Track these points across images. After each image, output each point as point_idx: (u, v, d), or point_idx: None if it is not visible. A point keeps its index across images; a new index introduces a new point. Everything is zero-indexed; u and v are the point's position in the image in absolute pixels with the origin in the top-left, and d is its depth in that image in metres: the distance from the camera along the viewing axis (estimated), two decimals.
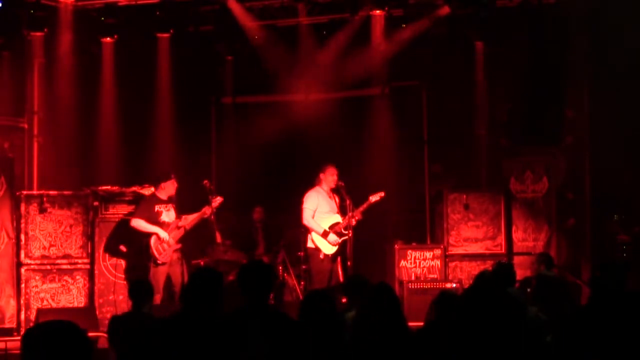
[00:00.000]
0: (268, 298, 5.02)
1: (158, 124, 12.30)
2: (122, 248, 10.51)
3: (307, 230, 10.16)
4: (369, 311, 4.82)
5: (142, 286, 6.91)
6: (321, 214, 10.13)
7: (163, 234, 9.94)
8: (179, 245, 10.09)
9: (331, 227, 10.11)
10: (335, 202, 10.20)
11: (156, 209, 10.06)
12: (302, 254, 10.55)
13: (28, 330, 3.23)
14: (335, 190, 10.28)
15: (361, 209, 10.06)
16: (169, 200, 10.13)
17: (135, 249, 10.33)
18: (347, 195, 10.03)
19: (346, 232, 10.05)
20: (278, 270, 10.64)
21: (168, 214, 10.06)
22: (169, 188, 10.11)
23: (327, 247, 10.10)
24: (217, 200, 10.06)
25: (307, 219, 10.08)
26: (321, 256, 10.10)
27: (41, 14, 11.26)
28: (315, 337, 4.73)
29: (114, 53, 11.97)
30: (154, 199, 10.12)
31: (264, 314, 4.86)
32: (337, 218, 10.17)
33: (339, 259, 10.21)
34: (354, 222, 10.05)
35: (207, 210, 10.02)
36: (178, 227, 10.05)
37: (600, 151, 11.29)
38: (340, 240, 10.10)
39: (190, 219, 10.10)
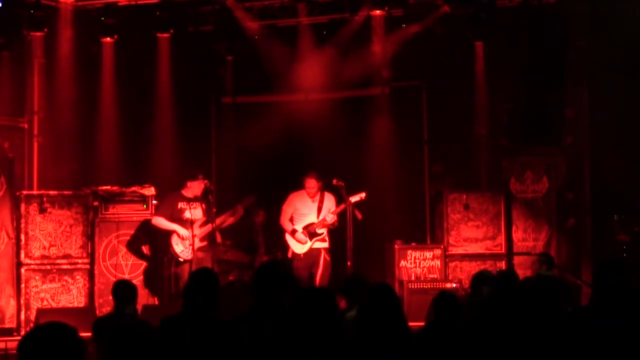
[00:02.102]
0: (283, 299, 5.02)
1: (158, 124, 12.29)
2: (144, 249, 10.60)
3: (284, 231, 10.57)
4: (369, 311, 4.81)
5: (124, 287, 6.83)
6: (300, 216, 10.50)
7: (182, 231, 10.02)
8: (203, 244, 10.15)
9: (305, 227, 10.41)
10: (318, 204, 10.45)
11: (179, 206, 10.13)
12: (279, 254, 10.78)
13: (23, 339, 3.29)
14: (334, 191, 10.43)
15: (337, 210, 10.27)
16: (195, 199, 10.19)
17: (158, 248, 10.45)
18: (346, 196, 10.20)
19: (320, 232, 10.34)
20: None
21: (193, 212, 10.10)
22: (194, 188, 10.19)
23: (296, 246, 10.45)
24: (250, 199, 10.42)
25: (281, 219, 10.57)
26: (289, 254, 10.48)
27: (41, 14, 11.26)
28: (313, 336, 4.73)
29: (114, 53, 11.97)
30: (178, 197, 10.20)
31: (278, 314, 4.86)
32: (314, 219, 10.42)
33: (320, 262, 10.31)
34: (329, 222, 10.29)
35: (239, 209, 10.34)
36: (202, 226, 10.11)
37: (600, 151, 11.29)
38: (310, 241, 10.37)
39: (222, 219, 10.32)
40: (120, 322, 6.40)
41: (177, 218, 10.11)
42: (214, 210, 10.48)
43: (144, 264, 10.65)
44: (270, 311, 4.85)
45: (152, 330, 6.32)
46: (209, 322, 4.71)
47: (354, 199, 10.23)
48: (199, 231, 10.09)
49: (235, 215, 10.41)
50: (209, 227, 10.16)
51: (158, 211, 10.32)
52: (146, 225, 10.53)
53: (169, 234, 10.13)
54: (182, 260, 10.03)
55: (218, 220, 10.28)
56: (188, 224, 10.03)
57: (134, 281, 10.35)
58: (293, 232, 10.45)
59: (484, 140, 11.90)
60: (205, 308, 4.81)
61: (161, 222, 10.18)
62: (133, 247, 10.64)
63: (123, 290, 6.75)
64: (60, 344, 3.17)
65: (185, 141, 12.27)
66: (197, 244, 10.07)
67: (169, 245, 10.13)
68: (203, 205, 10.21)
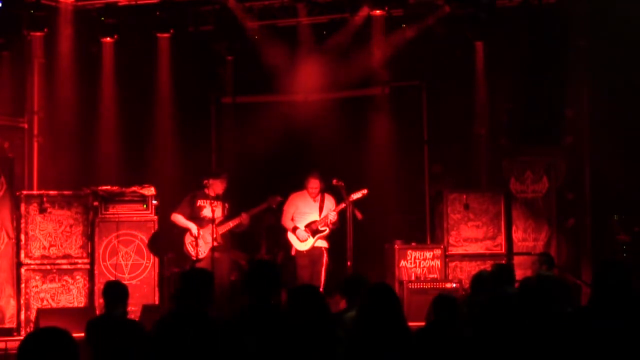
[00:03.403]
0: (272, 298, 5.03)
1: (158, 124, 12.30)
2: (170, 254, 10.66)
3: (286, 231, 10.60)
4: (369, 311, 4.82)
5: (113, 288, 6.80)
6: (301, 215, 10.54)
7: (195, 230, 10.02)
8: (217, 243, 10.10)
9: (307, 225, 10.46)
10: (320, 204, 10.52)
11: (199, 204, 10.17)
12: (281, 253, 10.79)
13: (20, 344, 3.36)
14: (334, 191, 10.46)
15: (338, 208, 10.26)
16: (217, 197, 10.18)
17: (176, 246, 10.50)
18: (346, 196, 10.23)
19: (322, 229, 10.37)
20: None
21: (213, 210, 10.09)
22: (215, 186, 10.19)
23: (298, 243, 10.50)
24: (276, 199, 10.41)
25: (282, 219, 10.62)
26: (292, 252, 10.52)
27: (41, 14, 11.26)
28: (305, 332, 4.74)
29: (114, 53, 11.97)
30: (199, 195, 10.24)
31: (268, 313, 4.86)
32: (316, 218, 10.48)
33: (323, 262, 10.33)
34: (332, 220, 10.31)
35: (244, 217, 10.24)
36: (218, 224, 10.10)
37: (600, 151, 11.29)
38: (312, 238, 10.41)
39: (235, 223, 10.25)
40: (109, 323, 6.42)
41: (196, 216, 10.16)
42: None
43: (144, 264, 10.63)
44: (266, 310, 4.85)
45: (139, 330, 6.33)
46: (202, 322, 4.71)
47: (356, 195, 10.26)
48: (215, 230, 10.08)
49: (243, 223, 10.30)
50: (227, 226, 10.17)
51: (178, 208, 10.35)
52: (166, 226, 10.56)
53: (183, 232, 10.20)
54: (194, 259, 10.06)
55: (232, 223, 10.26)
56: (206, 222, 10.06)
57: (134, 281, 10.39)
58: (294, 230, 10.50)
59: (484, 140, 11.90)
60: (198, 308, 4.81)
61: (178, 219, 10.26)
62: (154, 248, 10.63)
63: (111, 291, 6.73)
64: (56, 349, 3.23)
65: (185, 141, 12.27)
66: (210, 243, 10.08)
67: (182, 243, 10.18)
68: (226, 204, 10.24)
